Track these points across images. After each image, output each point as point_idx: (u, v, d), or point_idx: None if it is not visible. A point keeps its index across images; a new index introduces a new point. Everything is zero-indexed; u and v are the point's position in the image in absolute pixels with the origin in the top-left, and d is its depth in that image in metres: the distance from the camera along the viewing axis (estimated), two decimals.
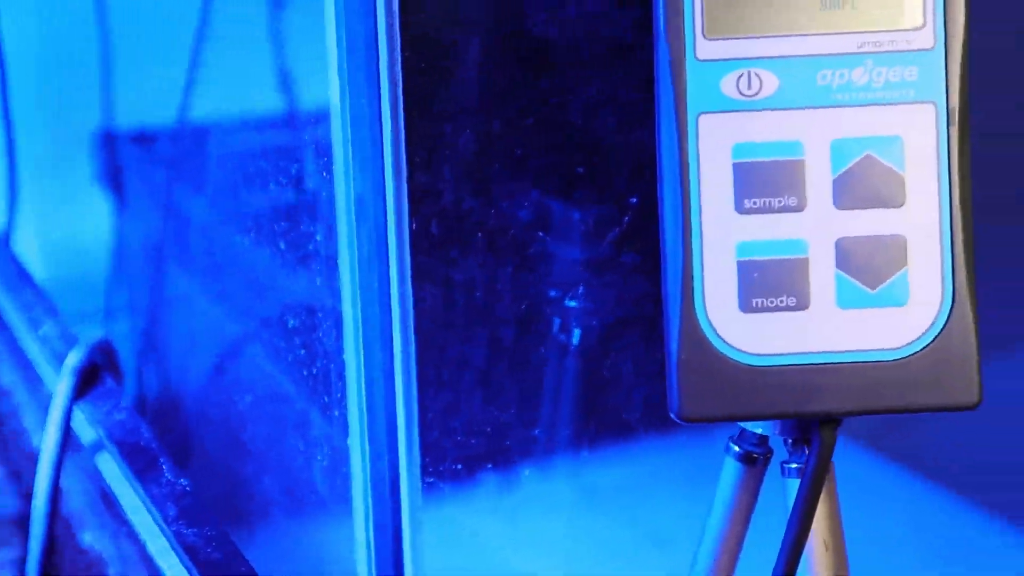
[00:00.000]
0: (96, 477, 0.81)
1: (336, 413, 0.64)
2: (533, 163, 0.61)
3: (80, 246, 1.11)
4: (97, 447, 0.82)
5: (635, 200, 0.62)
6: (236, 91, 0.79)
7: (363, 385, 0.61)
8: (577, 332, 0.65)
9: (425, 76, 0.59)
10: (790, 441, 0.55)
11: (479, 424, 0.64)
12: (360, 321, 0.61)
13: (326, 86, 0.60)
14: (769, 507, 0.56)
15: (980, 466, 0.85)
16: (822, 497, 0.54)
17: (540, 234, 0.62)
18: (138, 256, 1.03)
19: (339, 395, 0.64)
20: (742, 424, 0.56)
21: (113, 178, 1.05)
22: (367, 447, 0.62)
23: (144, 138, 1.00)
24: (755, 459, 0.56)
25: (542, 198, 0.62)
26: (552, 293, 0.63)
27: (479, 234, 0.61)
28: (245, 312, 0.79)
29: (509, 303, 0.63)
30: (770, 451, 0.56)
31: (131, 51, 1.01)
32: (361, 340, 0.61)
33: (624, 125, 0.61)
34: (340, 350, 0.63)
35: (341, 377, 0.63)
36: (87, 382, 0.86)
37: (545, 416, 0.65)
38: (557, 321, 0.64)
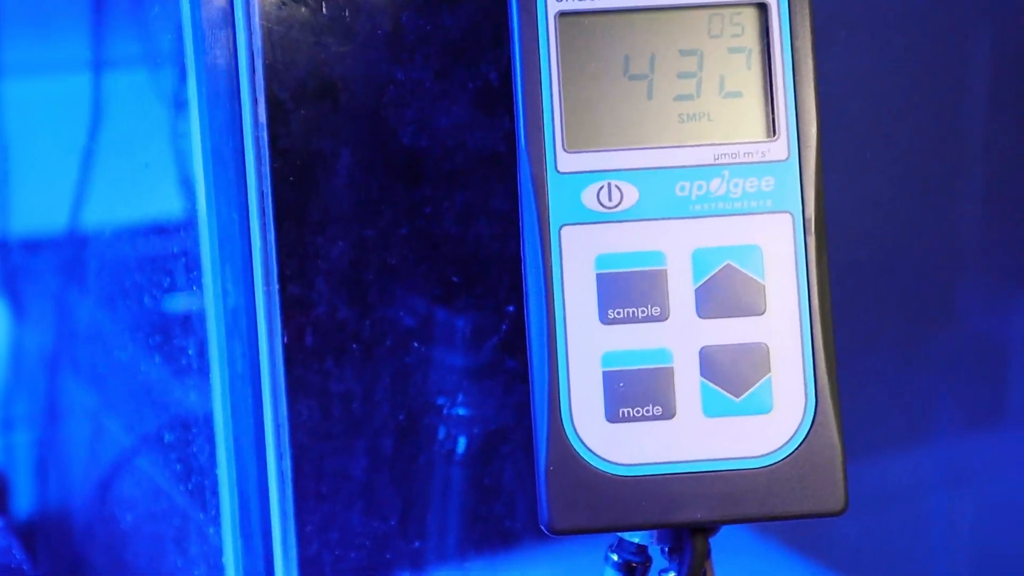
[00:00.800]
0: None
1: (211, 530, 0.63)
2: (408, 272, 0.61)
3: None
4: None
5: (512, 308, 0.63)
6: (125, 198, 0.79)
7: (236, 501, 0.60)
8: (462, 440, 0.64)
9: (295, 187, 0.59)
10: (666, 549, 0.55)
11: (359, 537, 0.63)
12: (232, 436, 0.60)
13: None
14: None
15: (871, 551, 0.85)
16: None
17: (416, 344, 0.62)
18: (35, 366, 1.01)
19: (214, 512, 0.63)
20: (620, 533, 0.55)
21: (8, 286, 1.04)
22: (242, 564, 0.61)
23: (38, 245, 0.99)
24: (634, 568, 0.56)
25: (417, 307, 0.62)
26: (429, 401, 0.63)
27: (355, 345, 0.61)
28: (128, 426, 0.78)
29: (387, 413, 0.62)
30: (649, 560, 0.56)
31: (26, 156, 1.01)
32: (233, 455, 0.60)
33: (498, 234, 0.62)
34: (214, 465, 0.62)
35: (216, 493, 0.62)
36: None
37: (427, 526, 0.64)
38: (442, 430, 0.64)
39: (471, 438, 0.64)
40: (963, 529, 0.87)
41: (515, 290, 0.62)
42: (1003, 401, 0.87)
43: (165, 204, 0.68)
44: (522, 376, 0.64)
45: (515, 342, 0.63)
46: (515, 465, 0.65)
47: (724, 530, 0.54)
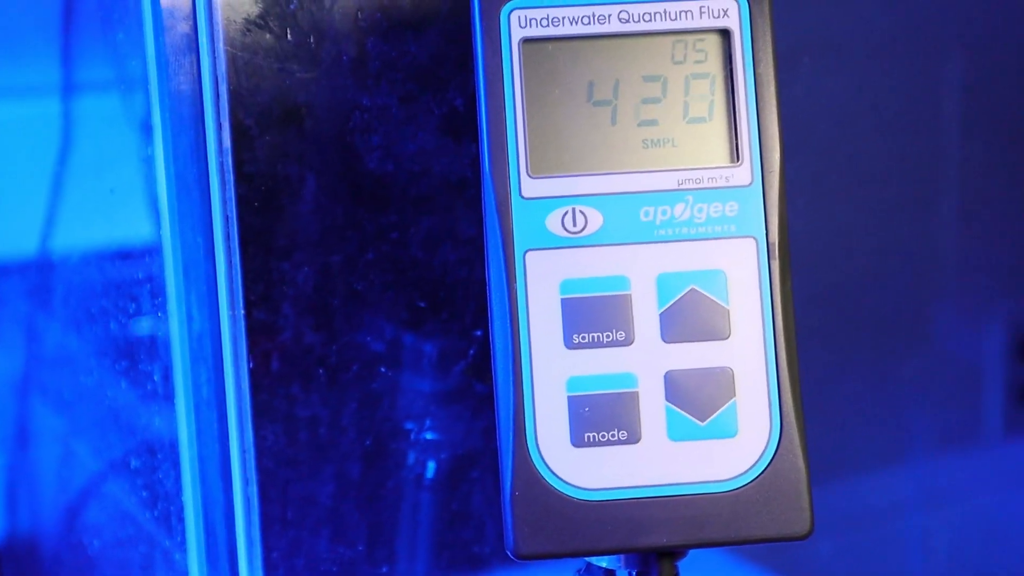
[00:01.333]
0: None
1: (178, 556, 0.63)
2: (374, 297, 0.61)
3: None
4: None
5: (479, 333, 0.63)
6: (93, 223, 0.79)
7: (202, 527, 0.60)
8: (431, 465, 0.64)
9: (261, 212, 0.59)
10: (634, 573, 0.55)
11: (326, 563, 0.62)
12: (198, 462, 0.60)
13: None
14: None
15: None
16: None
17: (383, 369, 0.62)
18: (4, 391, 1.01)
19: (180, 538, 0.62)
20: (587, 558, 0.55)
21: None
22: None
23: (7, 270, 0.98)
24: None
25: (384, 332, 0.62)
26: (396, 427, 0.63)
27: (321, 370, 0.61)
28: (95, 452, 0.77)
29: (354, 438, 0.62)
30: None
31: None
32: (199, 481, 0.60)
33: (464, 259, 0.62)
34: (180, 491, 0.61)
35: (182, 519, 0.62)
36: None
37: (395, 552, 0.64)
38: (410, 455, 0.64)
39: (439, 463, 0.64)
40: (939, 549, 0.88)
41: (482, 315, 0.62)
42: (977, 421, 0.87)
43: (132, 229, 0.67)
44: (490, 400, 0.64)
45: (483, 366, 0.63)
46: (484, 490, 0.64)
47: (697, 552, 0.54)
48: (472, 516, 0.65)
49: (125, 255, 0.67)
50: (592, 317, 0.51)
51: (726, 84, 0.51)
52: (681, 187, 0.51)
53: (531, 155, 0.51)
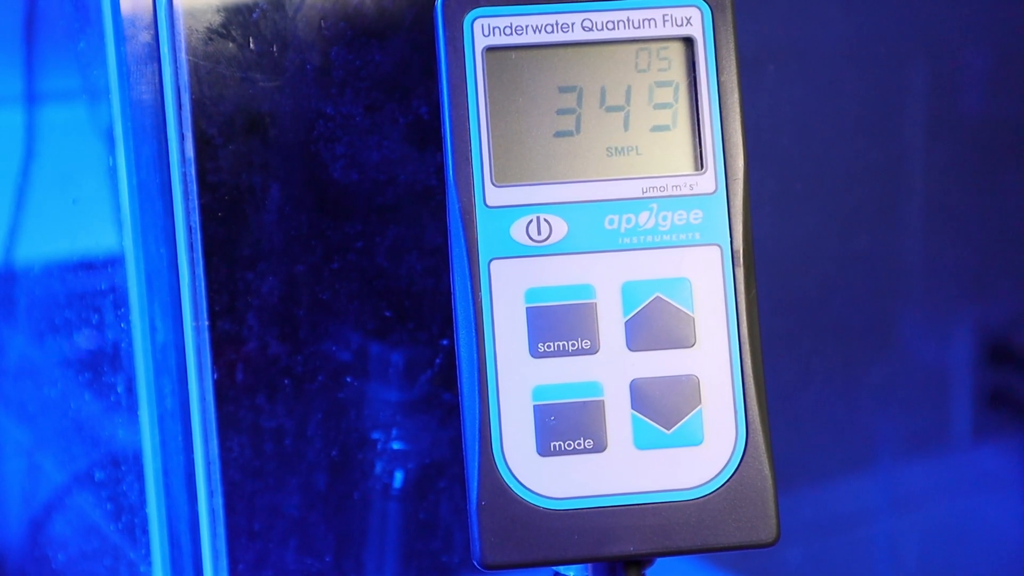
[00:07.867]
0: None
1: (143, 569, 0.62)
2: (340, 307, 0.61)
3: None
4: None
5: (446, 342, 0.62)
6: (56, 233, 0.78)
7: (167, 539, 0.60)
8: (398, 475, 0.64)
9: (224, 222, 0.59)
10: None
11: (293, 575, 0.62)
12: (162, 473, 0.59)
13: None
14: None
15: None
16: None
17: (349, 379, 0.62)
18: None
19: (144, 551, 0.62)
20: (555, 568, 0.55)
21: None
22: None
23: None
24: None
25: (350, 342, 0.62)
26: (363, 437, 0.63)
27: (286, 380, 0.61)
28: (59, 464, 0.77)
29: (321, 449, 0.62)
30: None
31: None
32: (163, 493, 0.60)
33: (430, 268, 0.62)
34: (144, 503, 0.61)
35: (146, 532, 0.61)
36: None
37: (363, 563, 0.64)
38: (377, 465, 0.63)
39: (407, 473, 0.64)
40: (907, 555, 0.88)
41: (448, 324, 0.62)
42: (944, 427, 0.88)
43: (95, 239, 0.67)
44: (457, 410, 0.63)
45: (449, 376, 0.63)
46: (451, 499, 0.64)
47: (664, 560, 0.54)
48: (440, 526, 0.64)
49: (88, 266, 0.67)
50: (557, 326, 0.51)
51: (690, 92, 0.51)
52: (645, 195, 0.51)
53: (495, 164, 0.51)
